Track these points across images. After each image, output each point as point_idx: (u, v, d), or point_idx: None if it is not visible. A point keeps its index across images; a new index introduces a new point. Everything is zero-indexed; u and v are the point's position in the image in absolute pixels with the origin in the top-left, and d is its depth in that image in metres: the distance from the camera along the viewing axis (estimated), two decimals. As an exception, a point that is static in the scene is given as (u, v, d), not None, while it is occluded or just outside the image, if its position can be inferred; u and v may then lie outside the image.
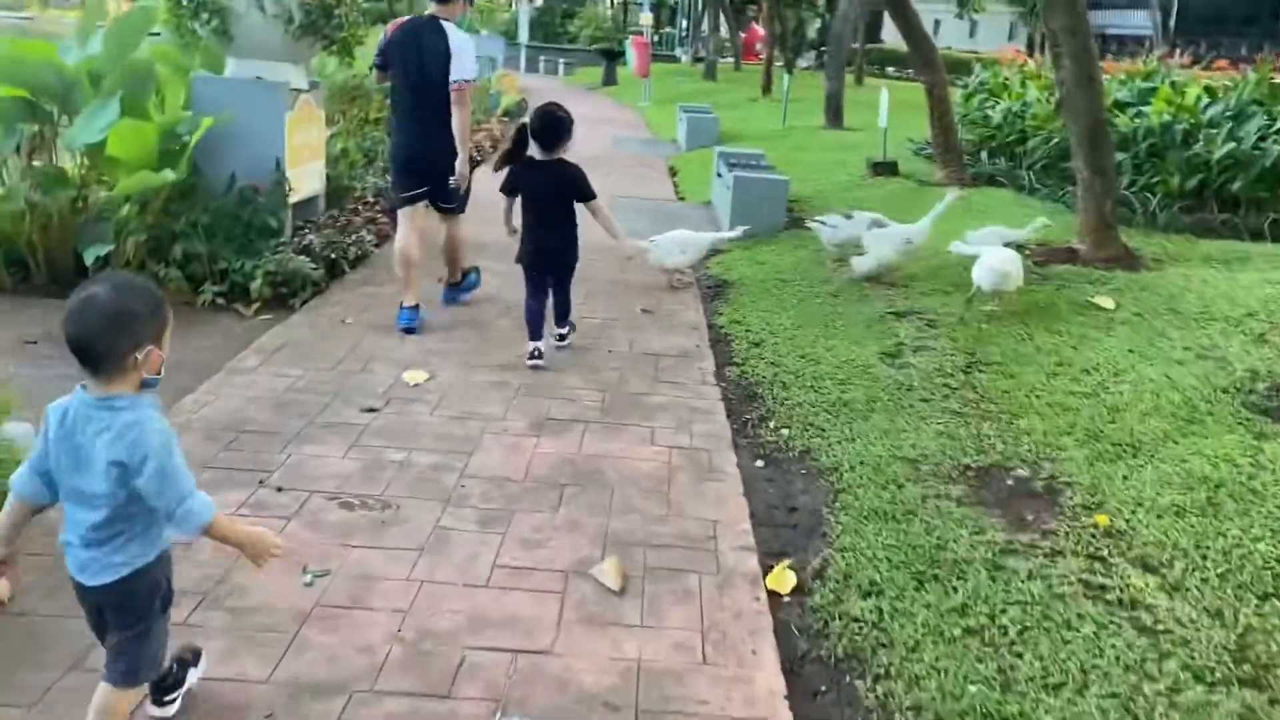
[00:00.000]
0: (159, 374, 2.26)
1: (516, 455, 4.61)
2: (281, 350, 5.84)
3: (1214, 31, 29.25)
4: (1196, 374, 5.65)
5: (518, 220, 5.89)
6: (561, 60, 37.77)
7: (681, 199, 12.33)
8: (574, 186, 5.77)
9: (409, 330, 6.21)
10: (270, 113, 7.25)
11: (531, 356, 5.82)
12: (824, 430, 5.02)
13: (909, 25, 11.91)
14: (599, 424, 5.04)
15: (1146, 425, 4.94)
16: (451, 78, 5.87)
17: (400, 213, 6.30)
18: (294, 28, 7.24)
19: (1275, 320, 6.32)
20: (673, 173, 14.52)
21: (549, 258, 5.89)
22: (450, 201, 6.36)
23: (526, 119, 5.90)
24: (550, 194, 5.78)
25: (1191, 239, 8.98)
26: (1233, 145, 9.28)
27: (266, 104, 7.25)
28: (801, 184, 12.10)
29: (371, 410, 4.98)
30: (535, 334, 5.87)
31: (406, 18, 6.16)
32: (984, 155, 12.91)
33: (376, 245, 8.18)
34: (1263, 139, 9.33)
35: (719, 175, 11.00)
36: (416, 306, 6.28)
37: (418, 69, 5.95)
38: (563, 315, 6.14)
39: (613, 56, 32.92)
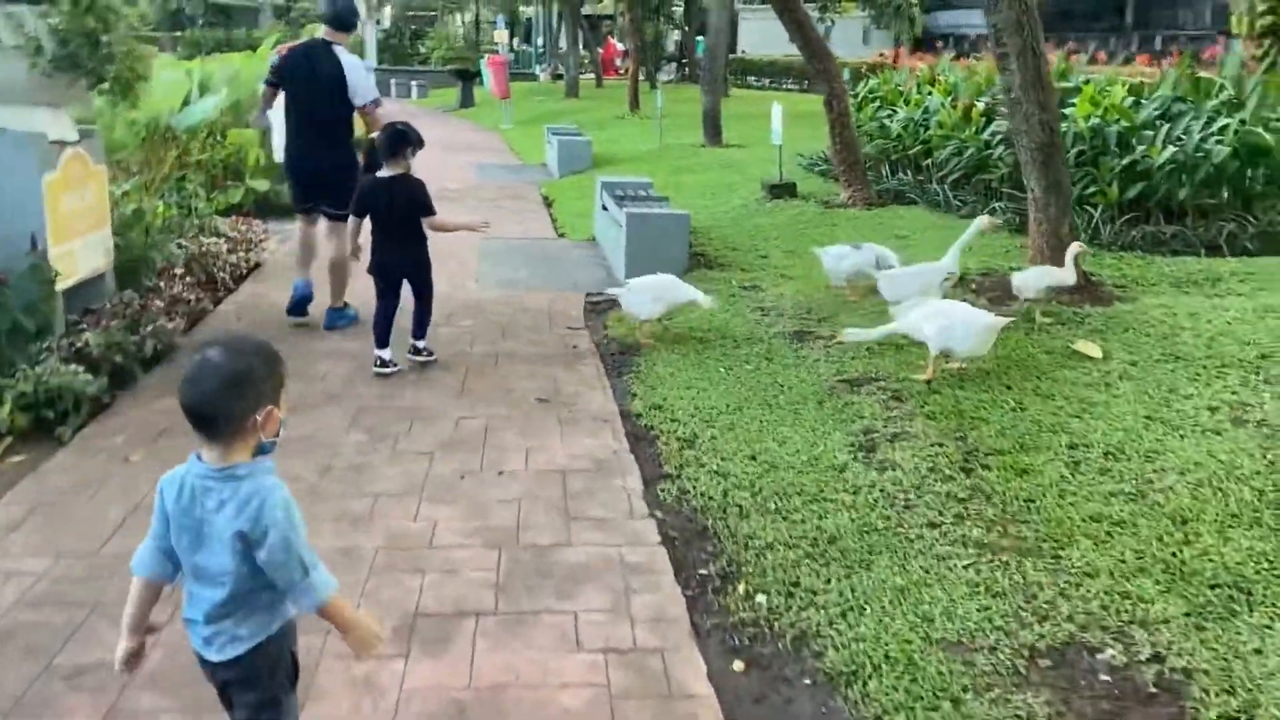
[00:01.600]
0: (277, 436, 2.19)
1: (368, 701, 3.01)
2: (25, 522, 4.08)
3: (1060, 28, 29.33)
4: (1247, 449, 4.45)
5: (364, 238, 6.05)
6: (414, 83, 35.81)
7: (562, 235, 10.82)
8: (415, 200, 5.83)
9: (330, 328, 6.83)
10: (19, 175, 5.43)
11: (378, 365, 5.93)
12: (815, 594, 3.58)
13: (804, 33, 10.71)
14: (495, 617, 3.47)
15: (1237, 546, 3.68)
16: (358, 102, 6.56)
17: (299, 216, 7.06)
18: (44, 62, 5.45)
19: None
20: (548, 203, 13.00)
21: (399, 271, 6.00)
22: (338, 208, 6.55)
23: (375, 136, 6.11)
24: (395, 209, 5.82)
25: (1145, 257, 7.96)
26: (1175, 149, 8.31)
27: (13, 163, 5.44)
28: (693, 212, 10.75)
29: (151, 632, 3.30)
30: (382, 341, 5.96)
31: (301, 41, 6.76)
32: (886, 170, 11.81)
33: (185, 332, 6.41)
34: (1203, 140, 8.39)
35: (604, 209, 9.53)
36: (343, 306, 6.95)
37: (308, 89, 6.52)
38: (420, 325, 6.15)
39: (468, 77, 31.16)
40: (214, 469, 2.13)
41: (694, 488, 4.52)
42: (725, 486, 4.49)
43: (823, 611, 3.46)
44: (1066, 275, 6.35)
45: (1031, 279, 6.45)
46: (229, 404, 2.09)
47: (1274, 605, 3.32)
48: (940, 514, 4.12)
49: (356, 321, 6.94)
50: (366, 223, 5.97)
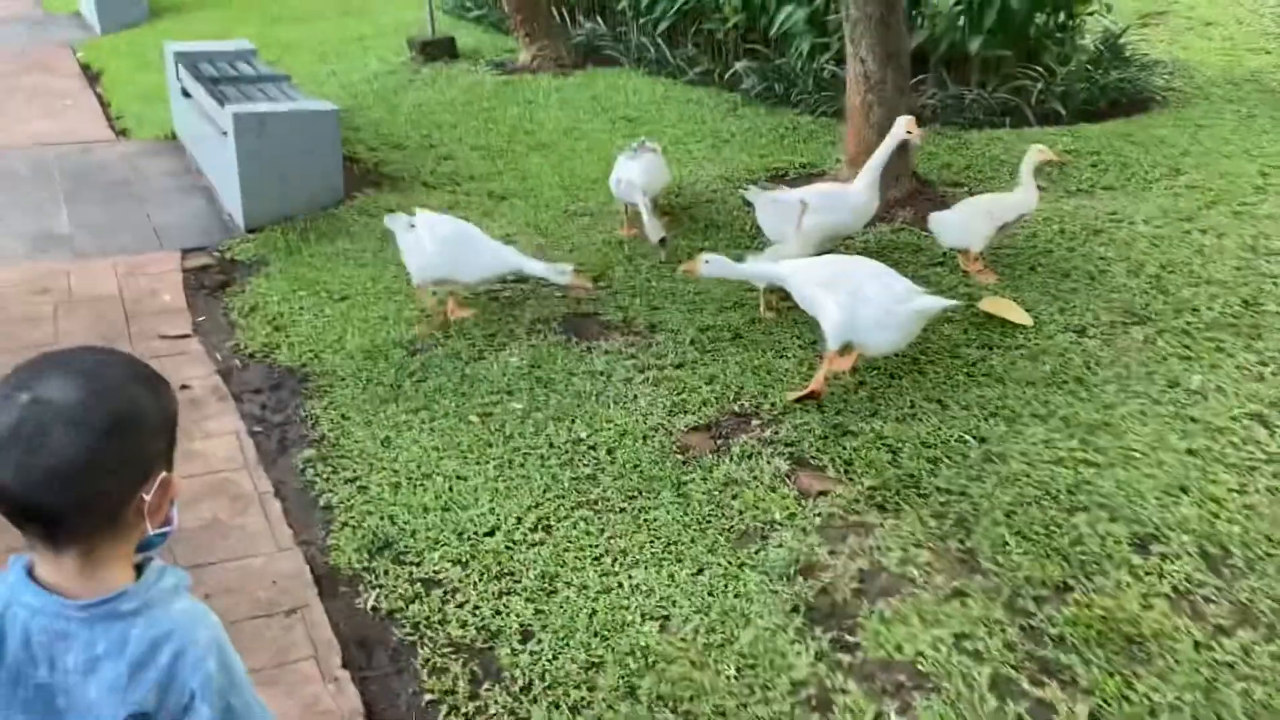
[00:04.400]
0: (170, 524, 1.32)
1: None
2: None
3: None
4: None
5: None
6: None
7: (124, 134, 7.22)
8: None
9: None
10: None
11: None
12: None
13: None
14: None
15: None
16: None
17: None
18: None
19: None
20: (91, 77, 9.00)
21: None
22: None
23: None
24: None
25: (951, 132, 6.16)
26: (962, -13, 6.48)
27: None
28: (318, 85, 7.59)
29: None
30: None
31: None
32: (565, 15, 9.14)
33: None
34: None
35: (186, 96, 6.20)
36: None
37: None
38: None
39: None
40: (75, 603, 1.24)
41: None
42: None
43: None
44: (1027, 191, 4.23)
45: (980, 216, 4.21)
46: (96, 483, 1.20)
47: None
48: None
49: None
50: None
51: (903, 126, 4.15)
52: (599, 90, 7.31)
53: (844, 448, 3.19)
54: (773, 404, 3.44)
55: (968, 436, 3.23)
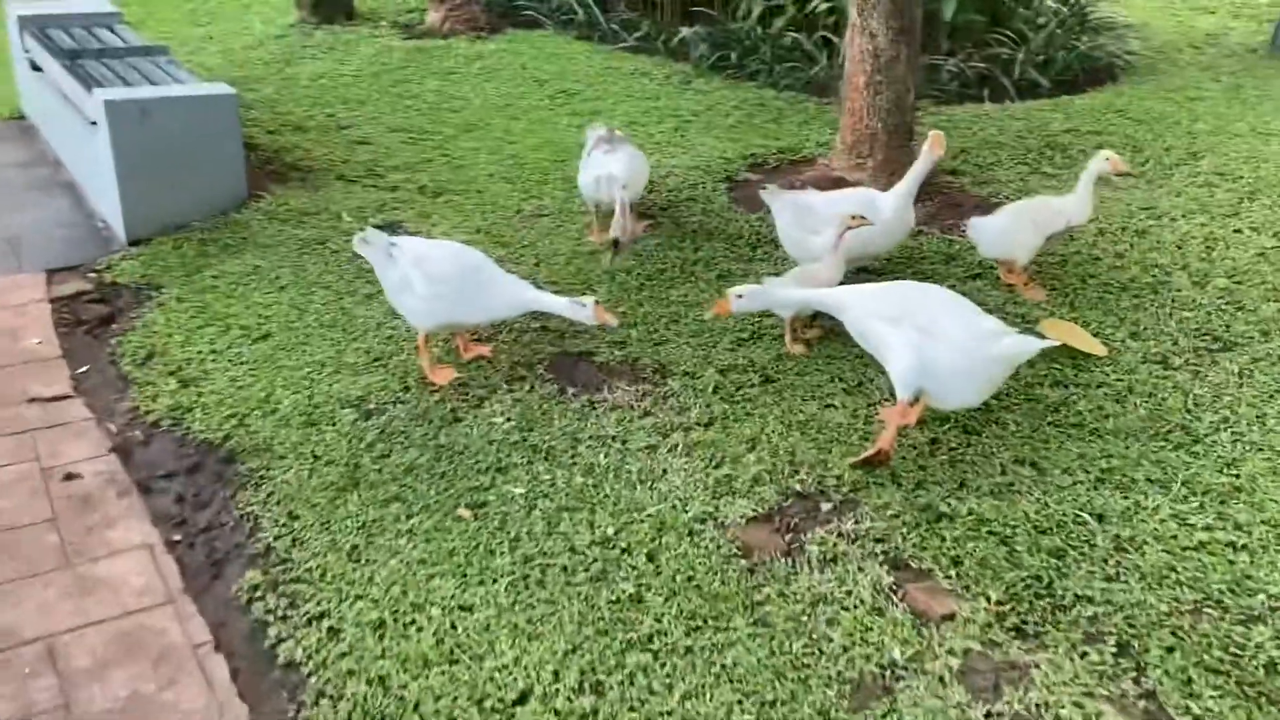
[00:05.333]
0: None
1: None
2: None
3: None
4: None
5: None
6: None
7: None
8: None
9: None
10: None
11: None
12: None
13: None
14: None
15: None
16: None
17: None
18: None
19: None
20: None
21: None
22: None
23: None
24: None
25: (936, 106, 5.59)
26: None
27: None
28: (193, 54, 6.53)
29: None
30: None
31: None
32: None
33: None
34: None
35: (36, 69, 5.12)
36: None
37: None
38: None
39: None
40: None
41: None
42: None
43: None
44: (1082, 201, 3.62)
45: (1027, 226, 3.60)
46: None
47: None
48: None
49: None
50: None
51: (932, 144, 3.47)
52: (527, 58, 6.46)
53: (943, 538, 2.56)
54: (838, 477, 2.78)
55: (1083, 514, 2.64)
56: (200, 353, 3.43)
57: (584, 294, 3.72)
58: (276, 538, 2.62)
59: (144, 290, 3.86)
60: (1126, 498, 2.70)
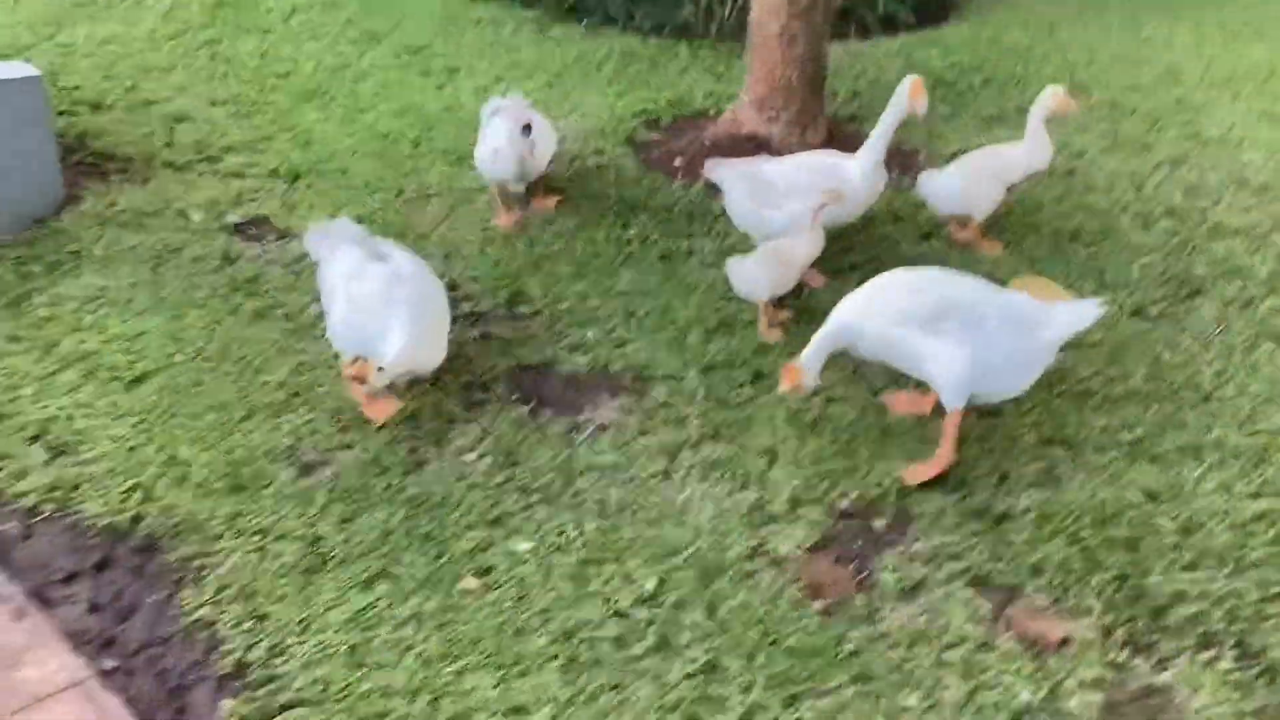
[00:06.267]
0: None
1: None
2: None
3: None
4: None
5: None
6: None
7: None
8: None
9: None
10: None
11: None
12: None
13: None
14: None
15: None
16: None
17: None
18: None
19: None
20: None
21: None
22: None
23: None
24: None
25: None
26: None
27: None
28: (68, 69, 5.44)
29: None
30: None
31: None
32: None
33: None
34: None
35: None
36: None
37: None
38: None
39: None
40: None
41: None
42: None
43: None
44: (1038, 145, 3.41)
45: (986, 179, 3.35)
46: None
47: None
48: None
49: None
50: None
51: (905, 96, 3.18)
52: (351, 10, 5.72)
53: (1010, 543, 2.35)
54: (879, 485, 2.51)
55: (1134, 496, 2.48)
56: (63, 408, 2.75)
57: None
58: (248, 648, 2.09)
59: (-40, 329, 3.09)
60: (1166, 472, 2.57)
